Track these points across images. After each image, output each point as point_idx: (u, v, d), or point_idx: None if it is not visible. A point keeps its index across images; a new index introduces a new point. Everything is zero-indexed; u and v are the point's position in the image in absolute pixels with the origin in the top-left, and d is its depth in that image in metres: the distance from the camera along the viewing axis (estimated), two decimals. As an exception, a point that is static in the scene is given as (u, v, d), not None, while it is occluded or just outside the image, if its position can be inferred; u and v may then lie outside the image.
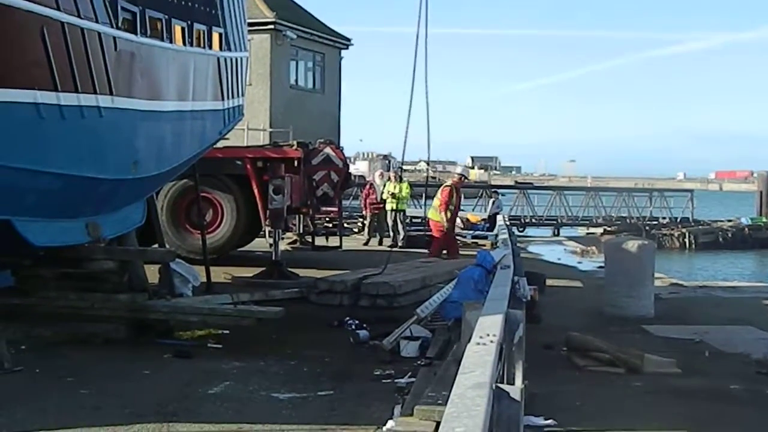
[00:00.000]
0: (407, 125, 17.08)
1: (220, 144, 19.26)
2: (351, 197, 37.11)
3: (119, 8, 12.53)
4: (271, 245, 20.48)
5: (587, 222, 47.82)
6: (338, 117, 46.98)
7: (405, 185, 30.09)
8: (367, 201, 31.28)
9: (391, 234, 28.70)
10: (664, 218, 48.58)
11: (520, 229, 42.06)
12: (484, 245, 27.14)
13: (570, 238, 42.30)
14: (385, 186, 30.45)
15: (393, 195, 28.97)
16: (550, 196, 48.80)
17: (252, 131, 34.77)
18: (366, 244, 29.86)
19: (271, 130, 37.93)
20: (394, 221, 29.05)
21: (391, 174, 30.56)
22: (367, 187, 32.14)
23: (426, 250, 24.38)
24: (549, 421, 9.09)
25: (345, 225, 29.92)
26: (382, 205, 30.53)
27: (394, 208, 29.12)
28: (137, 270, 13.63)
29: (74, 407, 9.21)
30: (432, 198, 23.82)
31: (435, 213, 22.89)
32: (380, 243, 29.51)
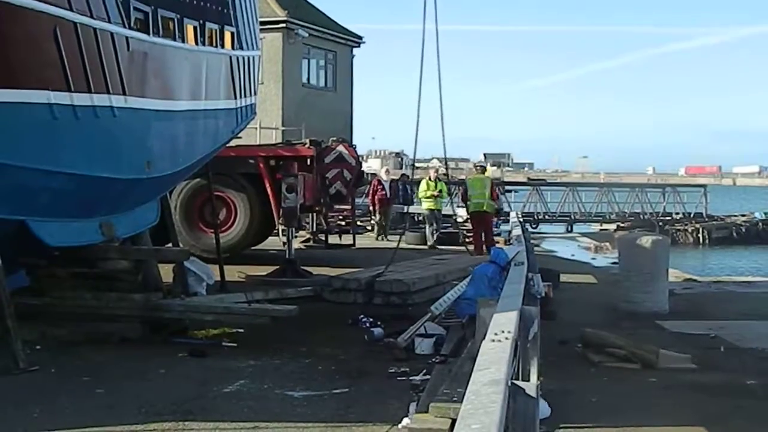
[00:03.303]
0: (417, 122, 17.20)
1: (233, 143, 19.29)
2: (364, 195, 37.12)
3: (131, 8, 12.57)
4: (284, 243, 20.50)
5: (600, 218, 47.72)
6: (350, 115, 47.01)
7: (442, 185, 29.50)
8: (376, 197, 31.12)
9: (429, 235, 28.39)
10: (677, 214, 48.43)
11: (534, 226, 42.00)
12: (498, 242, 27.10)
13: (583, 235, 42.28)
14: (419, 186, 30.08)
15: (439, 192, 28.51)
16: (563, 193, 48.73)
17: (264, 130, 34.86)
18: (377, 239, 29.94)
19: (283, 128, 38.00)
20: (433, 221, 28.71)
21: (432, 173, 29.99)
22: (375, 183, 31.86)
23: (457, 248, 24.68)
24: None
25: (358, 223, 29.89)
26: (387, 201, 30.59)
27: (437, 207, 28.72)
28: (151, 269, 13.65)
29: (90, 406, 9.24)
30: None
31: (490, 205, 23.74)
32: (385, 237, 29.53)
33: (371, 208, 32.11)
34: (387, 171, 34.35)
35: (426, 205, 29.08)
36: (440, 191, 28.45)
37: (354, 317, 14.50)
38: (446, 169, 27.03)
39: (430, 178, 29.31)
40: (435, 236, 28.32)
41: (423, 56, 16.75)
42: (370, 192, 31.64)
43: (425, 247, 27.65)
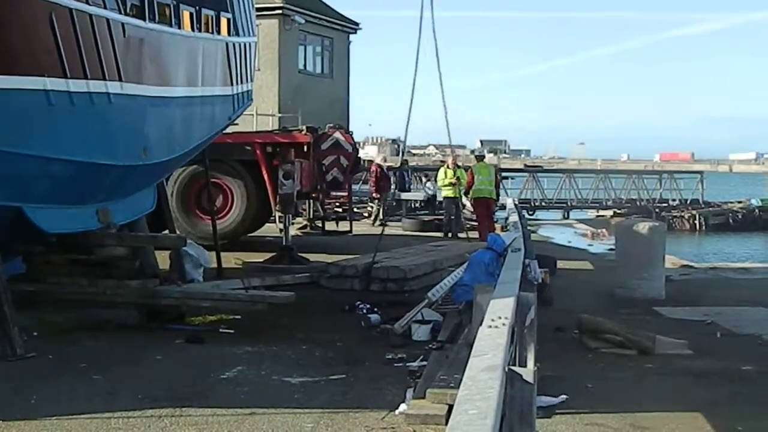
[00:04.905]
0: (410, 108, 17.13)
1: (230, 129, 19.27)
2: (360, 182, 37.09)
3: (127, -6, 12.53)
4: (281, 230, 20.49)
5: (597, 205, 47.75)
6: (347, 101, 46.96)
7: (461, 172, 28.58)
8: (380, 184, 30.90)
9: (453, 225, 27.61)
10: (674, 200, 48.48)
11: (530, 213, 41.97)
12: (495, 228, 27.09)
13: (580, 221, 42.28)
14: (438, 174, 29.50)
15: (457, 180, 26.99)
16: (560, 179, 48.70)
17: (261, 116, 34.83)
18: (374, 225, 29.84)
19: (280, 115, 37.98)
20: (457, 209, 27.75)
21: (450, 161, 29.05)
22: (377, 169, 31.61)
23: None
24: (560, 397, 9.11)
25: (355, 209, 29.84)
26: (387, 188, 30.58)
27: (456, 195, 27.37)
28: (148, 256, 13.65)
29: (87, 393, 9.25)
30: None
31: (495, 192, 24.56)
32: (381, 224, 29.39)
33: (374, 195, 31.72)
34: (384, 159, 34.43)
35: (445, 193, 28.07)
36: (458, 179, 27.06)
37: (351, 304, 14.51)
38: (453, 157, 26.76)
39: (448, 166, 28.03)
40: (457, 225, 27.46)
41: (419, 44, 16.73)
42: (374, 179, 31.33)
43: (422, 233, 27.57)
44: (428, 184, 36.74)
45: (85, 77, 11.37)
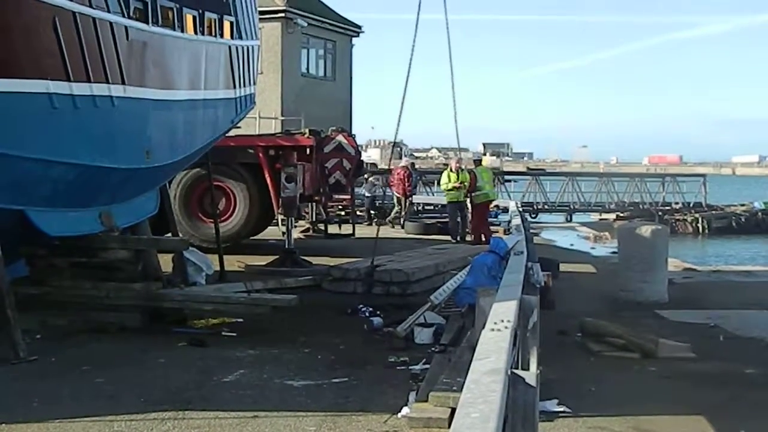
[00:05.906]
0: (400, 111, 17.04)
1: (233, 132, 19.28)
2: (363, 184, 37.04)
3: (130, -3, 12.55)
4: (283, 233, 20.49)
5: (600, 208, 47.75)
6: (350, 104, 46.95)
7: (465, 175, 27.87)
8: (405, 187, 31.10)
9: (452, 229, 27.06)
10: (676, 203, 48.44)
11: (533, 216, 41.97)
12: (497, 231, 27.05)
13: (583, 224, 42.27)
14: (442, 177, 28.97)
15: (461, 184, 25.63)
16: (563, 183, 48.68)
17: (264, 119, 34.83)
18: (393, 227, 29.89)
19: (282, 118, 37.95)
20: (461, 212, 26.53)
21: (453, 164, 28.26)
22: (402, 173, 31.60)
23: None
24: (562, 407, 9.10)
25: (357, 213, 29.80)
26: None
27: (461, 199, 25.98)
28: (151, 259, 13.65)
29: (90, 396, 9.25)
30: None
31: (495, 194, 25.53)
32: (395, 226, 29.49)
33: (404, 197, 31.65)
34: (411, 164, 34.96)
35: (448, 198, 26.59)
36: (462, 183, 25.69)
37: (353, 307, 14.50)
38: (457, 160, 26.80)
39: (451, 169, 26.52)
40: (462, 228, 26.29)
41: (414, 45, 16.71)
42: (402, 182, 31.39)
43: (425, 236, 27.52)
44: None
45: (88, 80, 11.39)
